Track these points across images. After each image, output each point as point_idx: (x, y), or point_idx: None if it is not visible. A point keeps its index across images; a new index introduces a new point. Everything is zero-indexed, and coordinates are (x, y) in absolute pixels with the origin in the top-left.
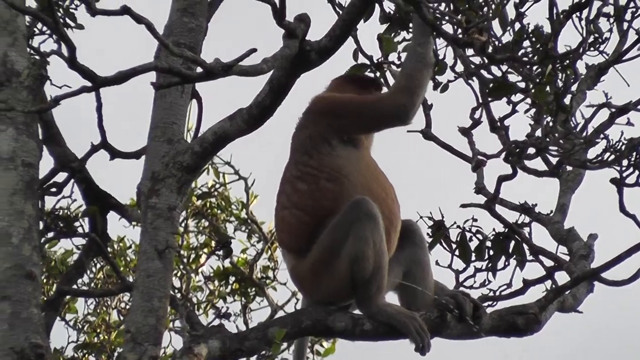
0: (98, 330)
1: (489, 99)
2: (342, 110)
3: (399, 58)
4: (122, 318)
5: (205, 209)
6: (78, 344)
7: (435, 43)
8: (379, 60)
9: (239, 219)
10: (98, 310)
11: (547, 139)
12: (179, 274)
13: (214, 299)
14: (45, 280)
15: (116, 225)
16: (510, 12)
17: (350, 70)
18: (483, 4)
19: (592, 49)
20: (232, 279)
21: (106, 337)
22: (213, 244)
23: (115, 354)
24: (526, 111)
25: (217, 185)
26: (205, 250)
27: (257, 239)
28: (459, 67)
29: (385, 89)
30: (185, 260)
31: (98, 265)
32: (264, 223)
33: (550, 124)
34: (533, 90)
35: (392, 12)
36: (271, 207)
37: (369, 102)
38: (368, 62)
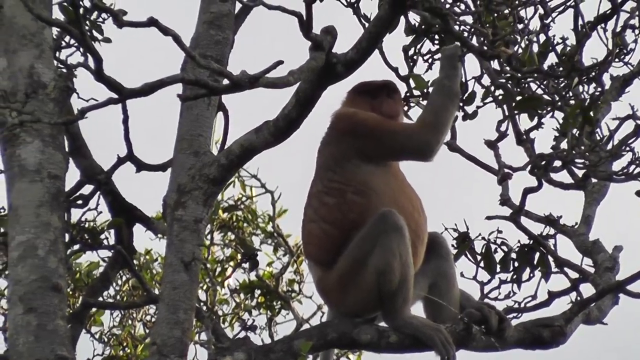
0: (124, 343)
1: (516, 112)
2: (365, 132)
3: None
4: (147, 331)
5: (232, 222)
6: (104, 357)
7: (465, 75)
8: (407, 94)
9: (265, 232)
10: (124, 323)
11: (573, 152)
12: (204, 287)
13: (240, 311)
14: (71, 293)
15: (142, 238)
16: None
17: None
18: (509, 16)
19: (616, 59)
20: (257, 292)
21: (132, 350)
22: (239, 256)
23: None
24: (555, 125)
25: (244, 198)
26: (232, 263)
27: (283, 252)
28: (486, 81)
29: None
30: (211, 273)
31: (124, 278)
32: (290, 236)
33: (576, 136)
34: (560, 104)
35: (417, 24)
36: (298, 220)
37: (394, 131)
38: (393, 74)
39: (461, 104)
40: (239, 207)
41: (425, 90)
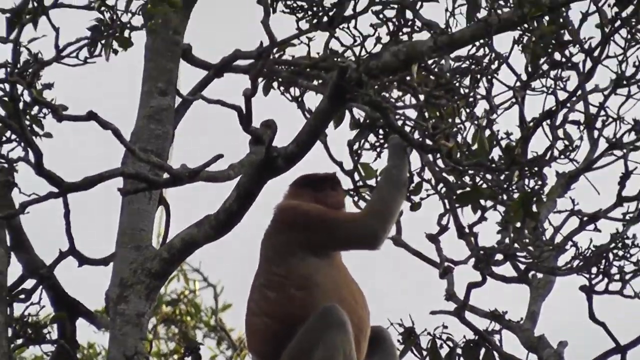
0: None
1: (457, 205)
2: (308, 223)
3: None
4: None
5: (175, 316)
6: None
7: (409, 164)
8: (357, 183)
9: (208, 326)
10: None
11: (515, 245)
12: None
13: None
14: None
15: (86, 332)
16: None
17: None
18: (452, 110)
19: (562, 156)
20: None
21: None
22: (182, 350)
23: None
24: (500, 221)
25: (187, 292)
26: (175, 356)
27: (226, 346)
28: (427, 175)
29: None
30: None
31: None
32: (233, 330)
33: (518, 230)
34: (502, 197)
35: (361, 119)
36: (241, 314)
37: (339, 220)
38: (338, 168)
39: (408, 194)
40: (182, 300)
41: (375, 179)
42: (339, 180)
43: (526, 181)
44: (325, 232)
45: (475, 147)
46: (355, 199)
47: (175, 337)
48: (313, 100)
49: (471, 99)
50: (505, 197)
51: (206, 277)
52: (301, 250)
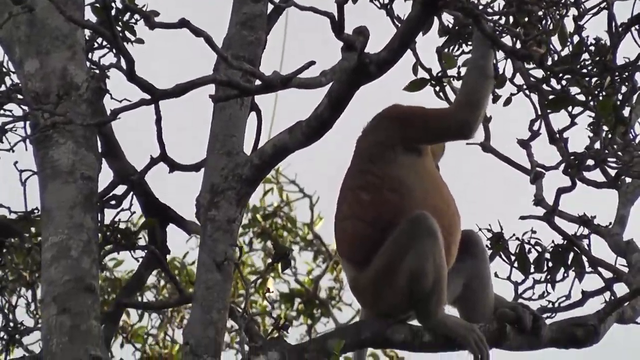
0: (160, 344)
1: (548, 111)
2: (411, 119)
3: (459, 73)
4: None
5: (271, 230)
6: (140, 357)
7: (495, 56)
8: (439, 74)
9: (304, 240)
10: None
11: (606, 151)
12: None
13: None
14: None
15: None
16: (569, 26)
17: (410, 85)
18: (542, 17)
19: None
20: (297, 300)
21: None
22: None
23: None
24: (589, 125)
25: (282, 205)
26: (272, 274)
27: (322, 259)
28: (519, 80)
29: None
30: (246, 277)
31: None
32: (329, 245)
33: (609, 136)
34: (593, 103)
35: (450, 26)
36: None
37: (435, 115)
38: (427, 76)
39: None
40: (278, 214)
41: (457, 70)
42: None
43: (616, 87)
44: (421, 125)
45: (556, 40)
46: (437, 88)
47: (270, 252)
48: (402, 7)
49: (562, 4)
50: (595, 103)
51: (302, 189)
52: (398, 145)
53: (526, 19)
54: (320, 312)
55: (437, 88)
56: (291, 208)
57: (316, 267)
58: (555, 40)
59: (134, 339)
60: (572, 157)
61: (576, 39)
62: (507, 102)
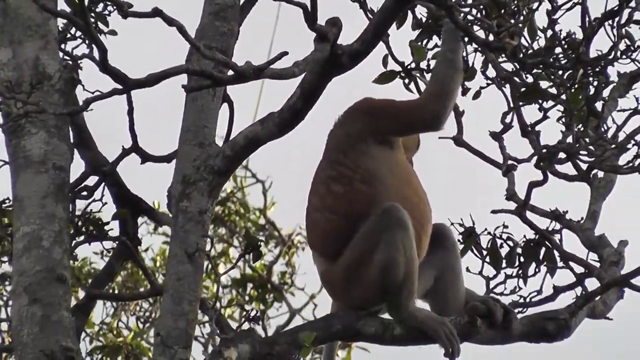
0: (114, 332)
1: (520, 104)
2: (381, 110)
3: (429, 66)
4: (140, 324)
5: (224, 215)
6: (99, 346)
7: (465, 49)
8: (408, 66)
9: (256, 225)
10: (117, 314)
11: (577, 145)
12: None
13: (233, 308)
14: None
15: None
16: (543, 20)
17: (380, 77)
18: (515, 10)
19: (624, 56)
20: (250, 285)
21: (123, 338)
22: (230, 251)
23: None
24: (559, 119)
25: (235, 191)
26: (223, 259)
27: (274, 244)
28: (491, 72)
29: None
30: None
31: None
32: (281, 229)
33: (582, 129)
34: (565, 96)
35: (424, 19)
36: (289, 211)
37: (405, 107)
38: (399, 68)
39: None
40: (231, 199)
41: (427, 63)
42: None
43: (588, 80)
44: (391, 117)
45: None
46: (406, 81)
47: (224, 237)
48: (375, 1)
49: None
50: (568, 96)
51: (255, 174)
52: (369, 137)
53: (498, 11)
54: (273, 297)
55: (407, 81)
56: (244, 193)
57: (268, 252)
58: (528, 36)
59: (87, 326)
60: (544, 151)
61: (549, 33)
62: (477, 95)
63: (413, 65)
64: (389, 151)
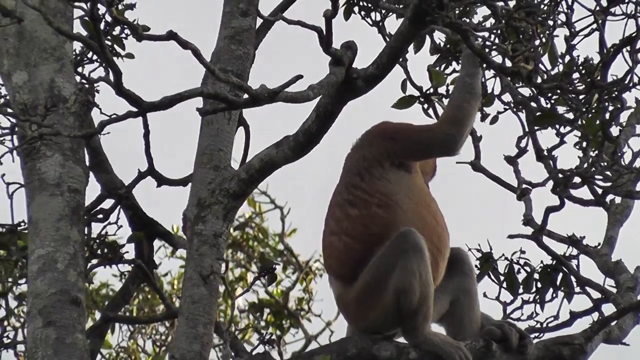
0: (132, 356)
1: (535, 128)
2: (398, 134)
3: (448, 91)
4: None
5: (242, 240)
6: None
7: (483, 74)
8: (427, 91)
9: (274, 251)
10: (134, 337)
11: (593, 169)
12: (222, 302)
13: (249, 332)
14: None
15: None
16: (561, 46)
17: (399, 102)
18: (532, 34)
19: None
20: (266, 311)
21: None
22: (249, 275)
23: None
24: (575, 144)
25: (254, 216)
26: (241, 283)
27: (292, 270)
28: (507, 97)
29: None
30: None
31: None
32: (299, 255)
33: (597, 154)
34: (581, 122)
35: (442, 44)
36: (306, 238)
37: (422, 130)
38: (417, 93)
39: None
40: (249, 225)
41: (445, 88)
42: None
43: (604, 105)
44: (408, 140)
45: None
46: (425, 106)
47: (242, 262)
48: (394, 25)
49: (551, 22)
50: (583, 121)
51: (273, 199)
52: (386, 161)
53: (515, 36)
54: (290, 323)
55: (426, 105)
56: (263, 219)
57: (285, 277)
58: (545, 60)
59: (103, 347)
60: (560, 175)
61: (567, 58)
62: (494, 120)
63: (432, 90)
64: (406, 175)
